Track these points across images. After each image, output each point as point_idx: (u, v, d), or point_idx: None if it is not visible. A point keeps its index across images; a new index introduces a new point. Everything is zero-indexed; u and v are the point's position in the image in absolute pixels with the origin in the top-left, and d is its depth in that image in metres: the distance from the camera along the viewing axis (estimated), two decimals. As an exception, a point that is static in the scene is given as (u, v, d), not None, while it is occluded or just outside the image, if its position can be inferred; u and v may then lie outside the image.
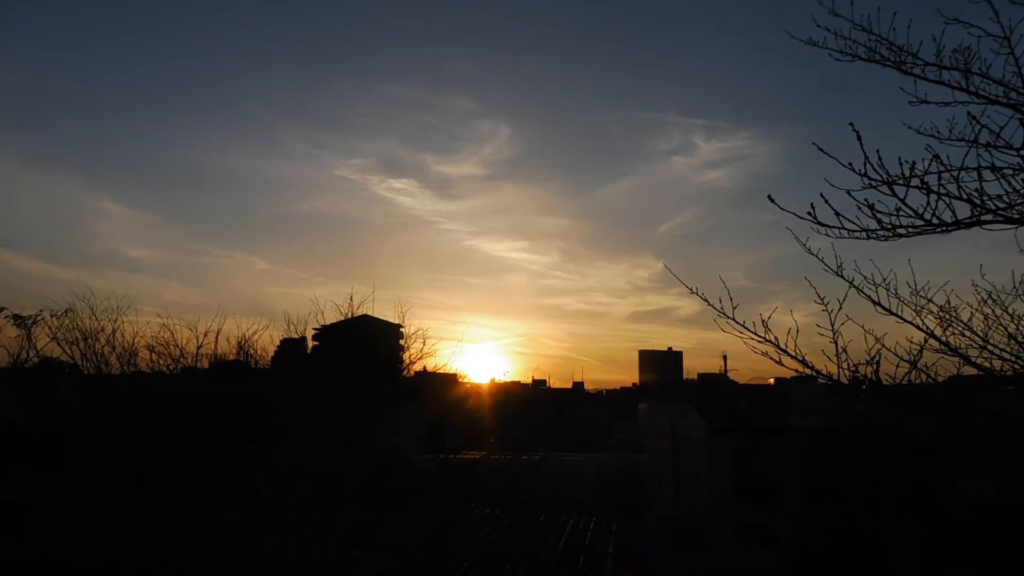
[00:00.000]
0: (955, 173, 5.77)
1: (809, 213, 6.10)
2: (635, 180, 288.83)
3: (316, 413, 16.87)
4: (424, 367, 22.62)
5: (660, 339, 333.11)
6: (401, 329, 22.27)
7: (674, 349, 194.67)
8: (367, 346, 21.85)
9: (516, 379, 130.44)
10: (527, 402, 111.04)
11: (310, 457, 15.78)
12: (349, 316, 20.70)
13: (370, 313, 22.53)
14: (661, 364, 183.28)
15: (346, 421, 17.11)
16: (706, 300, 7.28)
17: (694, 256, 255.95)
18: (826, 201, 5.99)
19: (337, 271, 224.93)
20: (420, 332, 21.39)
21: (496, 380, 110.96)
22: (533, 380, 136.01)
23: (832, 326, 7.04)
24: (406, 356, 21.47)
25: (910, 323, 7.06)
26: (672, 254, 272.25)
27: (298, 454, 15.72)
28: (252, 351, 19.42)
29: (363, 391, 17.79)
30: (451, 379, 24.37)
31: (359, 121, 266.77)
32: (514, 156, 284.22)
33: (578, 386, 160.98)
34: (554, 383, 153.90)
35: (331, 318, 20.90)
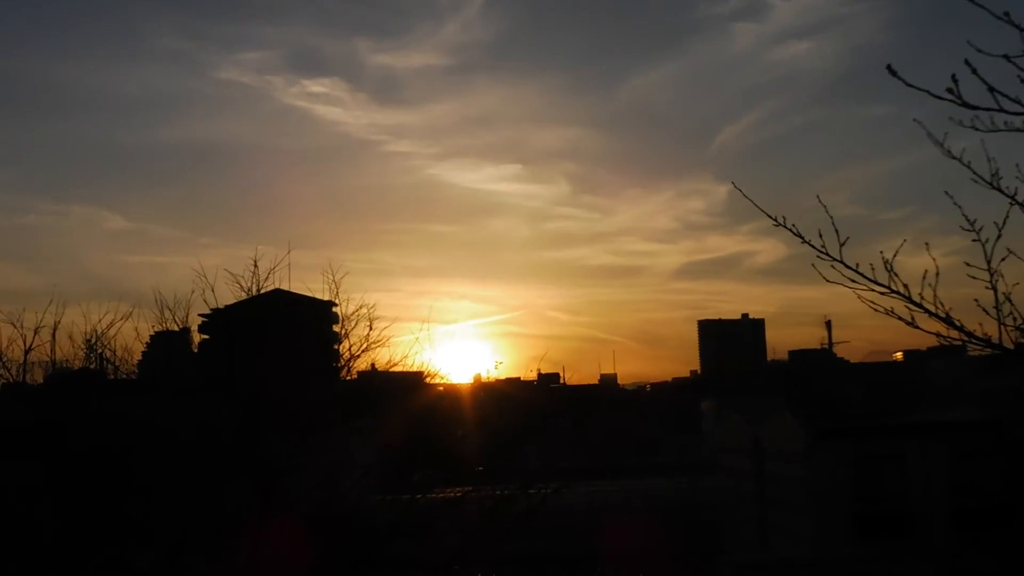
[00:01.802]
0: None
1: (949, 91, 6.05)
2: (679, 64, 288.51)
3: (213, 441, 16.93)
4: (373, 363, 22.70)
5: (729, 302, 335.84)
6: (335, 308, 22.27)
7: (751, 316, 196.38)
8: (284, 336, 21.89)
9: (513, 375, 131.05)
10: (532, 408, 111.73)
11: (208, 508, 15.89)
12: (254, 292, 20.71)
13: (285, 287, 22.52)
14: (732, 340, 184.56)
15: (259, 451, 17.21)
16: (799, 236, 7.28)
17: (774, 173, 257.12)
18: (974, 71, 5.94)
19: (232, 226, 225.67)
20: (364, 311, 21.41)
21: (483, 378, 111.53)
22: (539, 375, 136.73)
23: (988, 265, 7.06)
24: (344, 348, 21.52)
25: (1106, 253, 7.10)
26: (741, 172, 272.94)
27: (190, 505, 15.82)
28: (109, 353, 19.43)
29: (282, 404, 17.86)
30: (415, 380, 24.45)
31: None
32: (492, 37, 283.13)
33: (608, 381, 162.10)
34: (572, 378, 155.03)
35: (226, 297, 20.90)
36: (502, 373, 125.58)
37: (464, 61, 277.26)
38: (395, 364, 22.43)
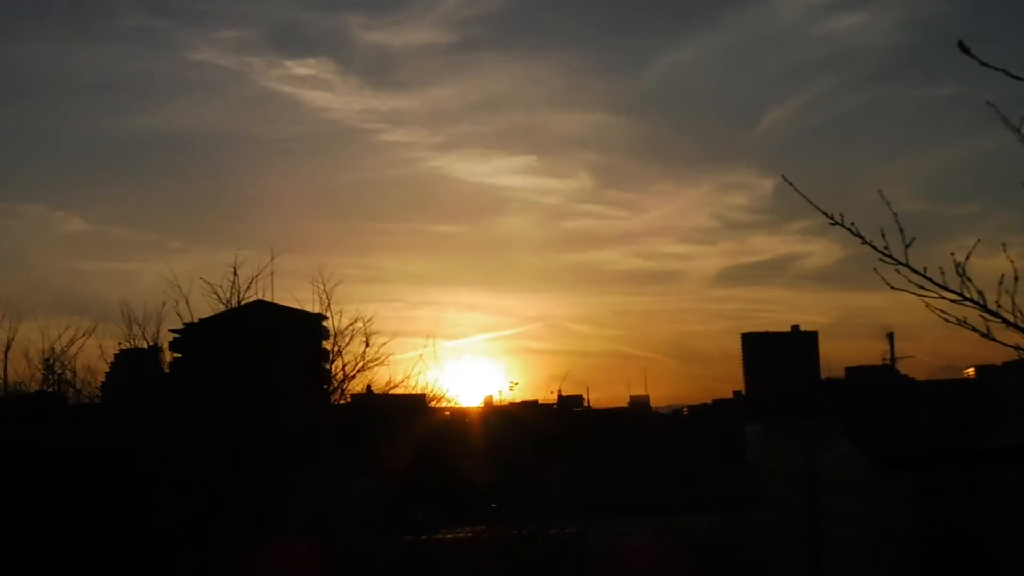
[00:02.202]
0: None
1: (1030, 70, 6.07)
2: (716, 39, 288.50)
3: (187, 475, 16.97)
4: (369, 385, 22.75)
5: (777, 312, 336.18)
6: (325, 322, 22.36)
7: (802, 328, 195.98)
8: (267, 354, 21.97)
9: (530, 397, 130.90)
10: (550, 435, 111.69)
11: (184, 548, 15.95)
12: (234, 304, 20.79)
13: (269, 298, 22.61)
14: (780, 356, 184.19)
15: (239, 485, 17.24)
16: (859, 235, 7.27)
17: (826, 163, 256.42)
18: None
19: (207, 228, 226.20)
20: (359, 325, 21.50)
21: (495, 401, 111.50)
22: (560, 397, 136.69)
23: (1075, 268, 7.04)
24: (337, 367, 21.58)
25: None
26: (789, 162, 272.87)
27: (164, 543, 15.88)
28: (69, 373, 19.52)
29: (266, 432, 17.91)
30: (418, 404, 24.48)
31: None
32: (501, 9, 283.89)
33: (639, 403, 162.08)
34: (597, 400, 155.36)
35: (202, 310, 21.00)
36: (517, 395, 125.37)
37: (469, 37, 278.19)
38: (395, 385, 22.51)
